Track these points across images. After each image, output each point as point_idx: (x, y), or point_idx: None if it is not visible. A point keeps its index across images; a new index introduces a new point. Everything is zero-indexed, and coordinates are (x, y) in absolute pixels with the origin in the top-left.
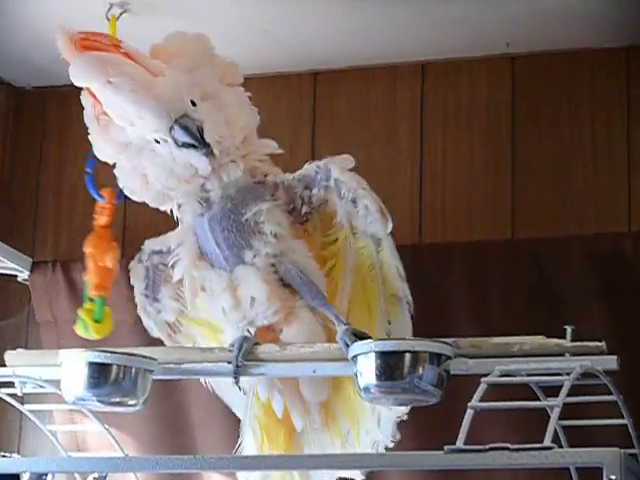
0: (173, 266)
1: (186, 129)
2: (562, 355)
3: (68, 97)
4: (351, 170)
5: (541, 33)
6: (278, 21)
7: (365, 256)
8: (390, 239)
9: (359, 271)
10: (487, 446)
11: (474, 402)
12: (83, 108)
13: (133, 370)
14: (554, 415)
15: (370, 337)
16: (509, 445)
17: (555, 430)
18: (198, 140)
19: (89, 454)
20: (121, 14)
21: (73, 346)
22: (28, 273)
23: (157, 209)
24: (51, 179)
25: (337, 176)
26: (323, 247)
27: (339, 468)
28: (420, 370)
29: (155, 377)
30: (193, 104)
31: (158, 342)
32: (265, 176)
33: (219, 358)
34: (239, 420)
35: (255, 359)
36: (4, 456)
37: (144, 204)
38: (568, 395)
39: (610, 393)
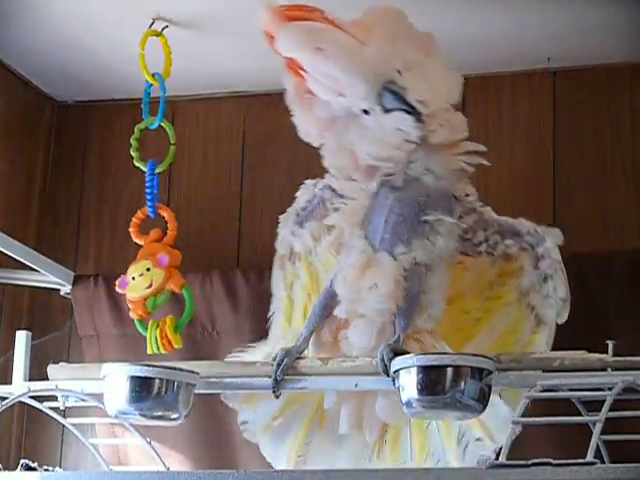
0: (335, 209)
1: (395, 94)
2: (604, 370)
3: (110, 112)
4: None
5: (582, 48)
6: None
7: (518, 324)
8: (554, 327)
9: (503, 330)
10: (530, 461)
11: (517, 417)
12: (125, 122)
13: (175, 384)
14: (596, 430)
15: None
16: (552, 460)
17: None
18: (407, 104)
19: (131, 468)
20: (164, 29)
21: (115, 360)
22: (70, 287)
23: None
24: (93, 193)
25: (549, 248)
26: (475, 293)
27: None
28: (462, 385)
29: (197, 391)
30: (399, 73)
31: (200, 357)
32: (466, 195)
33: (260, 372)
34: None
35: (296, 373)
36: (47, 469)
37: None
38: (609, 410)
39: None
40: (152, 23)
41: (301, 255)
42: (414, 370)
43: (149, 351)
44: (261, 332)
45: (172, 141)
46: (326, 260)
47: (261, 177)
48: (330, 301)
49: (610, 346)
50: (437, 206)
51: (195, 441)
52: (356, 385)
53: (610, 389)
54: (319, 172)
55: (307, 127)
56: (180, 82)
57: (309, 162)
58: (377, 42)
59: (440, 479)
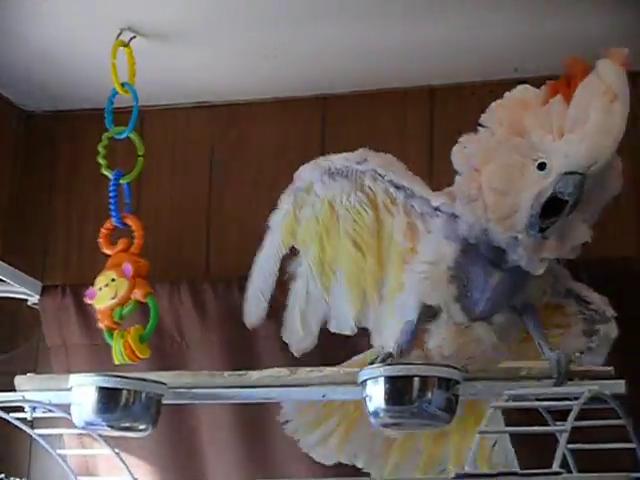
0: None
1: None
2: (571, 380)
3: (79, 121)
4: None
5: (549, 58)
6: (285, 46)
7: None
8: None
9: None
10: (495, 471)
11: (483, 427)
12: (93, 132)
13: (143, 395)
14: (562, 440)
15: None
16: (517, 470)
17: (564, 455)
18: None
19: (99, 479)
20: (131, 39)
21: (83, 371)
22: (38, 297)
23: None
24: (62, 203)
25: (609, 334)
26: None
27: None
28: (429, 395)
29: (165, 402)
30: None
31: (169, 369)
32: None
33: (229, 383)
34: (250, 444)
35: (264, 384)
36: None
37: None
38: (577, 419)
39: (619, 417)
40: (119, 34)
41: (320, 195)
42: (382, 380)
43: (115, 361)
44: (230, 344)
45: (140, 152)
46: (355, 210)
47: (229, 188)
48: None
49: (577, 356)
50: (536, 279)
51: (163, 451)
52: (324, 396)
53: (577, 398)
54: (287, 182)
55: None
56: (149, 92)
57: (277, 173)
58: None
59: None
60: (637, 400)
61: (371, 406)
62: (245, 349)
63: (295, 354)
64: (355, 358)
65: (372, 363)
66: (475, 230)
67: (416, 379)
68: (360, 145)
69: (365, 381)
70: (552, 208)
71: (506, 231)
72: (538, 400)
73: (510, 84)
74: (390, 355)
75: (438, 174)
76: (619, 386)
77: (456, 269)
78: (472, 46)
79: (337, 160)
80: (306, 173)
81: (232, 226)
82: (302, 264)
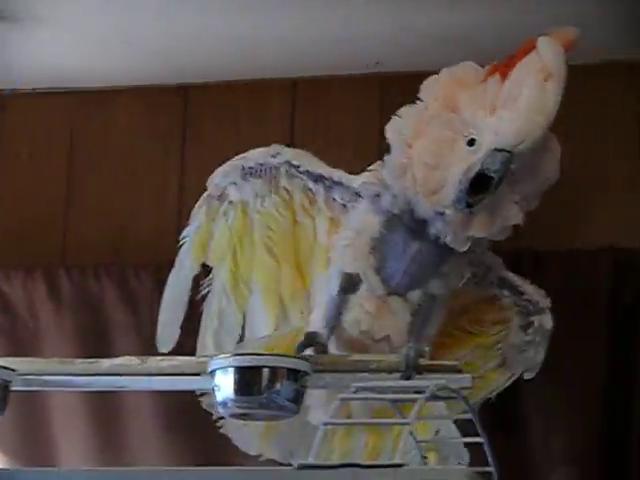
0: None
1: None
2: (420, 373)
3: None
4: None
5: (410, 53)
6: (145, 34)
7: (484, 359)
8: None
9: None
10: (338, 463)
11: (327, 418)
12: None
13: None
14: (405, 433)
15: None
16: (360, 462)
17: None
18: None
19: None
20: None
21: None
22: None
23: None
24: None
25: (545, 319)
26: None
27: None
28: (278, 386)
29: (14, 388)
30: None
31: (22, 354)
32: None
33: (79, 370)
34: (101, 429)
35: (115, 372)
36: None
37: None
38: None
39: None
40: None
41: (234, 201)
42: (231, 370)
43: None
44: (83, 329)
45: None
46: (268, 215)
47: (88, 175)
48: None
49: (427, 350)
50: (455, 257)
51: (15, 438)
52: (174, 385)
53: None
54: (146, 169)
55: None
56: (8, 77)
57: (137, 160)
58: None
59: (251, 477)
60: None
61: (219, 396)
62: (99, 336)
63: None
64: (276, 333)
65: (300, 345)
66: (399, 202)
67: (265, 370)
68: (222, 134)
69: (214, 371)
70: (481, 185)
71: (434, 205)
72: (383, 392)
73: (371, 77)
74: (315, 334)
75: None
76: (466, 380)
77: (379, 240)
78: (334, 39)
79: (250, 156)
80: (218, 178)
81: (90, 213)
82: (215, 282)
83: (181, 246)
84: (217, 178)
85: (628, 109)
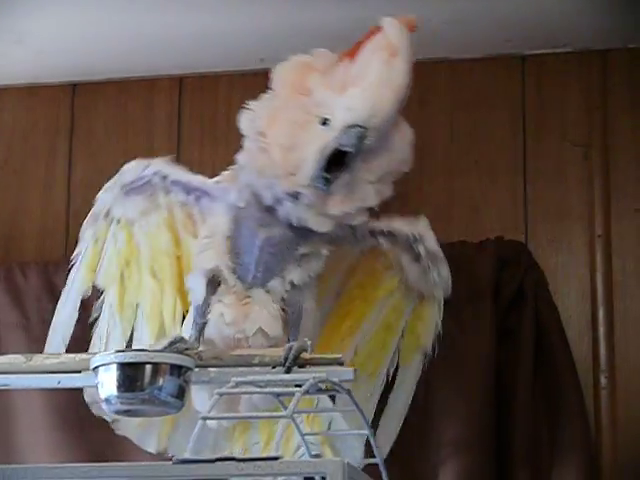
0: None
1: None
2: (304, 367)
3: None
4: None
5: (295, 49)
6: (35, 32)
7: (400, 308)
8: (442, 301)
9: (385, 318)
10: (214, 457)
11: (205, 413)
12: None
13: None
14: (280, 426)
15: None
16: (236, 456)
17: None
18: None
19: None
20: None
21: None
22: None
23: None
24: None
25: (426, 243)
26: (357, 284)
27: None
28: (160, 381)
29: None
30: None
31: None
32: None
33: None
34: (66, 427)
35: (0, 370)
36: None
37: None
38: None
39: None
40: None
41: (121, 221)
42: (113, 367)
43: None
44: None
45: None
46: (153, 236)
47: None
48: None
49: (309, 343)
50: (308, 237)
51: None
52: (59, 382)
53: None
54: (35, 166)
55: (261, 114)
56: None
57: (25, 157)
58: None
59: (125, 474)
60: None
61: (103, 393)
62: None
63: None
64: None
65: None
66: (244, 194)
67: (147, 366)
68: (109, 132)
69: (97, 367)
70: (337, 162)
71: (292, 186)
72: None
73: (256, 74)
74: (181, 339)
75: (185, 162)
76: (348, 373)
77: (232, 238)
78: (219, 36)
79: (126, 171)
80: (102, 195)
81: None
82: (104, 304)
83: (71, 268)
84: (101, 195)
85: (514, 101)
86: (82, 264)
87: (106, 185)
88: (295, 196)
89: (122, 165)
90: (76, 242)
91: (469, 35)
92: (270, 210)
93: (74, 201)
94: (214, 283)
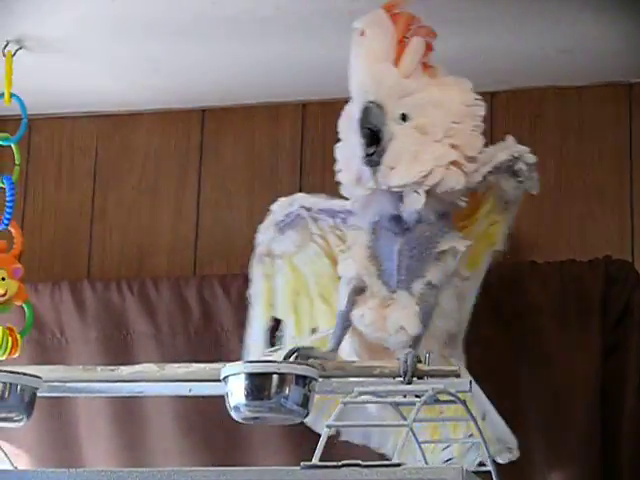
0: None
1: None
2: (421, 378)
3: None
4: None
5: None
6: (166, 59)
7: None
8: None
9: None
10: (340, 463)
11: (330, 421)
12: None
13: (19, 387)
14: (404, 435)
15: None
16: (361, 462)
17: None
18: None
19: None
20: (17, 50)
21: None
22: None
23: None
24: None
25: (529, 160)
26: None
27: None
28: (287, 391)
29: (40, 394)
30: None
31: (49, 363)
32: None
33: (101, 377)
34: (124, 432)
35: (134, 379)
36: None
37: None
38: None
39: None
40: (6, 45)
41: (283, 256)
42: (242, 376)
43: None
44: (107, 339)
45: (17, 162)
46: (314, 264)
47: (112, 194)
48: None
49: (427, 356)
50: (441, 231)
51: (42, 442)
52: (190, 390)
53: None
54: (166, 188)
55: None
56: (36, 101)
57: (157, 181)
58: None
59: (254, 477)
60: None
61: (232, 401)
62: (121, 346)
63: None
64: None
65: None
66: (374, 209)
67: (274, 376)
68: (236, 155)
69: (227, 377)
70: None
71: (358, 186)
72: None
73: None
74: (310, 349)
75: (307, 189)
76: (464, 384)
77: (372, 247)
78: (339, 64)
79: (276, 209)
80: (260, 236)
81: (113, 230)
82: (285, 334)
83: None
84: (259, 237)
85: (620, 125)
86: (259, 301)
87: (261, 227)
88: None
89: (248, 188)
90: (204, 258)
91: (578, 63)
92: (396, 218)
93: (203, 220)
94: (357, 290)
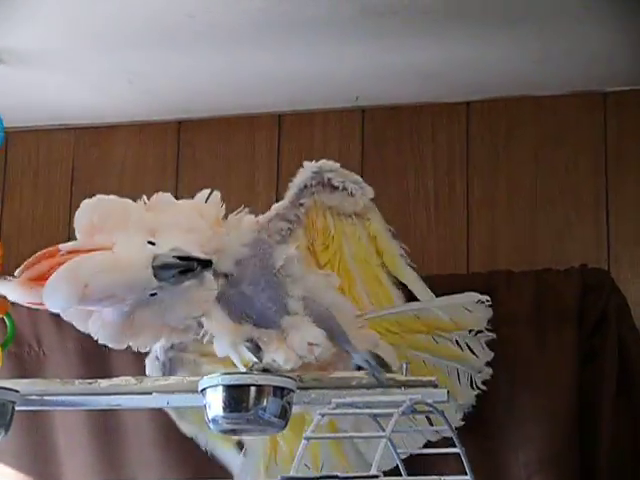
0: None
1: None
2: (399, 388)
3: None
4: None
5: (388, 87)
6: (142, 71)
7: (357, 236)
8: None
9: (357, 253)
10: (318, 474)
11: (309, 433)
12: None
13: None
14: (381, 445)
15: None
16: (338, 474)
17: None
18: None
19: None
20: None
21: None
22: None
23: None
24: None
25: (330, 175)
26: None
27: None
28: (264, 402)
29: (19, 408)
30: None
31: (27, 375)
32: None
33: (79, 390)
34: (104, 446)
35: (112, 392)
36: None
37: None
38: None
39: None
40: None
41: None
42: (220, 388)
43: None
44: (85, 350)
45: None
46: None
47: None
48: None
49: (404, 366)
50: (270, 252)
51: (21, 457)
52: (167, 402)
53: None
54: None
55: None
56: (13, 115)
57: (134, 193)
58: None
59: None
60: None
61: (210, 413)
62: (99, 357)
63: None
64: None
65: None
66: None
67: (252, 388)
68: (213, 165)
69: (205, 389)
70: None
71: None
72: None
73: (351, 112)
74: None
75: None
76: (441, 395)
77: (233, 315)
78: (315, 76)
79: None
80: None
81: None
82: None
83: None
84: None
85: (596, 134)
86: None
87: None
88: None
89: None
90: None
91: (552, 73)
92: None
93: None
94: (252, 346)
